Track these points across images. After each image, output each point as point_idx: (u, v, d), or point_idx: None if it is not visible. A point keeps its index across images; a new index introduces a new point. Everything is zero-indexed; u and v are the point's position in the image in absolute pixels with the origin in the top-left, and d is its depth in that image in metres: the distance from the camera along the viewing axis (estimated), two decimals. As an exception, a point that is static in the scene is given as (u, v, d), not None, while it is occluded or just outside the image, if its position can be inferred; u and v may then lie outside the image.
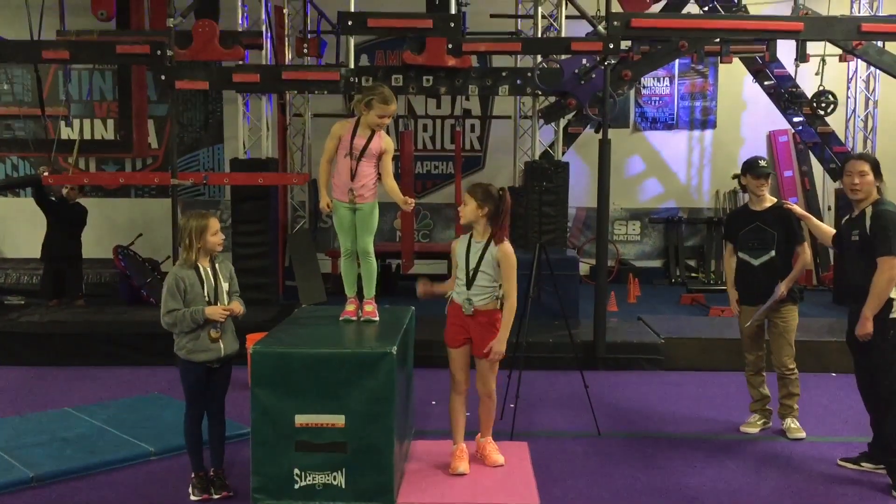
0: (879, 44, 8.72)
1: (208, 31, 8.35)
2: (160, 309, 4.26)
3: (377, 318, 4.69)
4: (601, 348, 7.28)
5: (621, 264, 12.26)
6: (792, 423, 5.46)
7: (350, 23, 8.00)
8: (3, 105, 12.06)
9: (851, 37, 8.09)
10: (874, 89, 10.50)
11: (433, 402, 6.02)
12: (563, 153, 9.69)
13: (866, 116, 10.55)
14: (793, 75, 10.41)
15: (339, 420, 3.99)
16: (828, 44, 9.49)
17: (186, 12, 8.26)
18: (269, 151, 9.32)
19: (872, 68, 10.10)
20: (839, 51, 9.46)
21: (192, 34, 8.40)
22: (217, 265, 4.36)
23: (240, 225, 8.93)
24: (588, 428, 5.57)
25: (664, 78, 12.48)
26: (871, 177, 4.63)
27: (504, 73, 8.56)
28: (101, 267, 10.08)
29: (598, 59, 8.06)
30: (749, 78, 11.28)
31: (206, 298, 4.24)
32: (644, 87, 12.44)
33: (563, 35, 9.17)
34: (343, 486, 4.00)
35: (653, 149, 12.62)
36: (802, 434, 5.40)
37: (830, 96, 10.20)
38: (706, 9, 9.82)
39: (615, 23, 7.45)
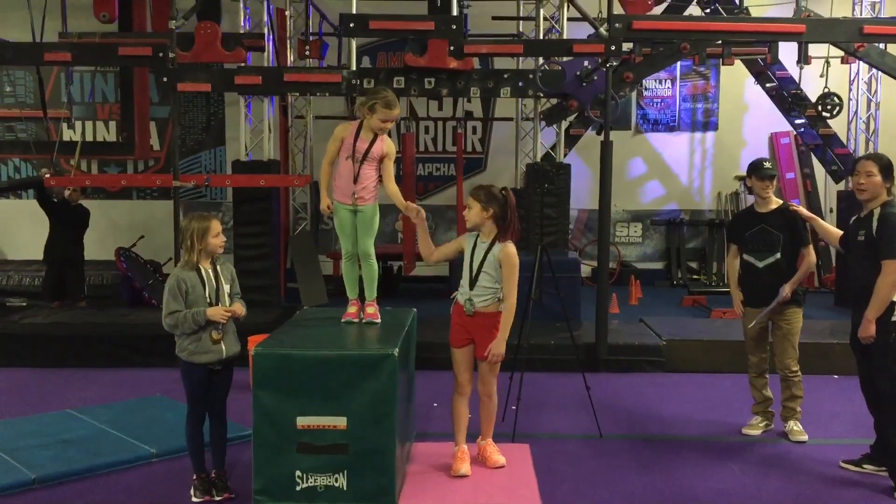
0: (881, 46, 8.72)
1: (210, 33, 8.36)
2: (162, 311, 4.26)
3: (379, 320, 4.69)
4: (603, 350, 7.28)
5: (623, 266, 12.26)
6: (794, 426, 5.45)
7: (352, 25, 8.00)
8: (6, 107, 12.08)
9: (853, 39, 8.10)
10: (876, 91, 10.49)
11: (435, 405, 6.02)
12: (565, 155, 9.69)
13: (868, 118, 10.54)
14: (796, 77, 10.42)
15: (340, 422, 3.99)
16: (831, 46, 9.50)
17: (188, 14, 8.27)
18: (270, 153, 9.33)
19: (874, 70, 10.09)
20: (842, 53, 9.46)
21: (195, 36, 8.41)
22: (218, 267, 4.36)
23: (241, 227, 8.94)
24: (590, 430, 5.56)
25: (666, 80, 12.48)
26: (878, 178, 4.60)
27: (506, 75, 8.57)
28: (103, 269, 10.07)
29: (599, 61, 8.06)
30: (751, 80, 11.28)
31: (208, 300, 4.24)
32: (646, 88, 12.45)
33: (564, 37, 9.17)
34: (344, 488, 4.00)
35: (654, 151, 12.61)
36: (805, 437, 5.39)
37: (836, 98, 10.19)
38: (708, 11, 9.83)
39: (617, 25, 7.45)
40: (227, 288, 4.35)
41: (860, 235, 4.69)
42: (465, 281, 4.46)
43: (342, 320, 4.71)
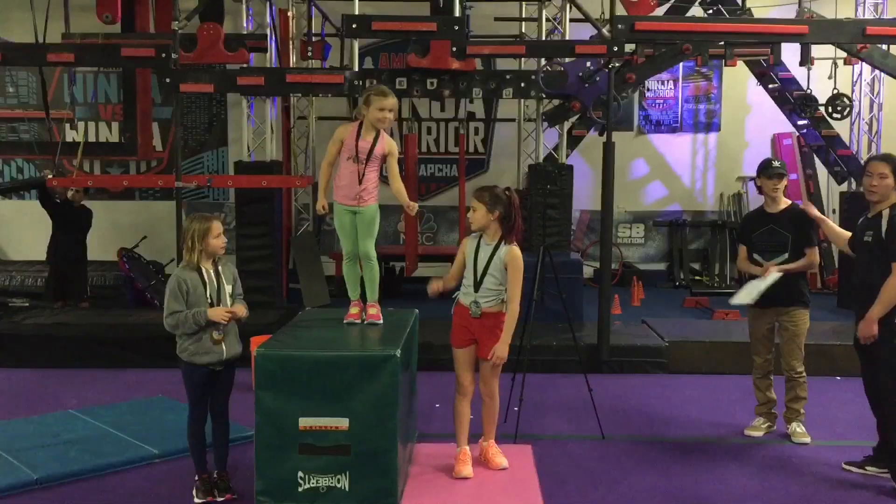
0: (884, 47, 8.71)
1: (213, 35, 8.36)
2: (163, 311, 4.27)
3: (381, 321, 4.69)
4: (605, 351, 7.27)
5: (625, 267, 12.25)
6: (797, 428, 5.45)
7: (354, 26, 8.00)
8: (8, 107, 12.09)
9: (856, 40, 8.08)
10: (879, 92, 10.48)
11: (437, 405, 6.02)
12: (567, 156, 9.68)
13: (871, 119, 10.53)
14: (804, 79, 10.38)
15: (342, 423, 3.99)
16: (835, 47, 9.49)
17: (191, 15, 8.27)
18: (273, 154, 9.33)
19: (877, 71, 10.08)
20: (845, 54, 9.45)
21: (197, 37, 8.42)
22: (220, 267, 4.36)
23: (244, 227, 8.94)
24: (592, 431, 5.56)
25: (668, 81, 12.47)
26: (890, 179, 4.58)
27: (508, 76, 8.57)
28: (106, 269, 10.09)
29: (602, 62, 8.06)
30: (753, 81, 11.28)
31: (209, 300, 4.25)
32: (648, 89, 12.43)
33: (567, 38, 9.17)
34: (347, 489, 4.00)
35: (657, 152, 12.60)
36: (807, 439, 5.39)
37: (846, 99, 10.16)
38: (710, 12, 9.81)
39: (619, 26, 7.45)
40: (228, 288, 4.35)
41: (867, 236, 4.67)
42: (469, 283, 4.45)
43: (344, 321, 4.70)
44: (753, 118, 12.41)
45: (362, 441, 3.99)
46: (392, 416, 4.01)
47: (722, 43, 8.69)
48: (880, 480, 4.72)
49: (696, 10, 10.07)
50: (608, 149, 7.30)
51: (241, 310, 4.36)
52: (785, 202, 5.47)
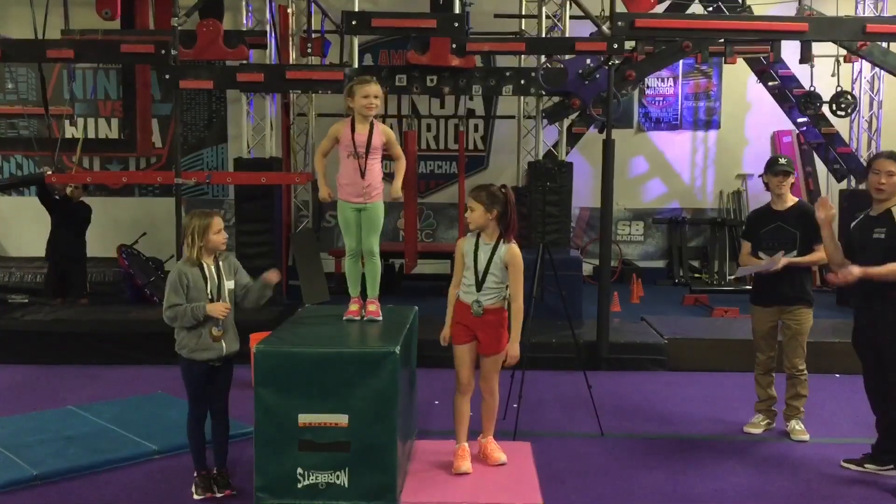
0: (884, 44, 8.71)
1: (212, 31, 8.36)
2: (163, 305, 4.27)
3: (380, 318, 4.69)
4: (604, 348, 7.28)
5: (624, 264, 12.25)
6: (797, 425, 5.45)
7: (354, 23, 8.00)
8: (8, 104, 12.08)
9: (856, 37, 8.08)
10: (878, 90, 10.47)
11: (436, 402, 6.02)
12: (567, 153, 9.68)
13: (871, 117, 10.53)
14: (806, 76, 10.37)
15: (342, 419, 3.99)
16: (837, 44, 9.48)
17: (191, 12, 8.26)
18: (272, 151, 9.33)
19: (877, 69, 10.08)
20: (845, 51, 9.44)
21: (197, 33, 8.42)
22: (221, 263, 4.37)
23: (243, 224, 8.93)
24: (591, 428, 5.56)
25: (668, 78, 12.46)
26: None
27: (508, 73, 8.57)
28: (105, 266, 10.08)
29: (602, 59, 8.06)
30: (753, 78, 11.27)
31: (210, 296, 4.25)
32: (648, 87, 12.43)
33: (567, 35, 9.17)
34: (346, 486, 4.00)
35: (656, 149, 12.60)
36: (806, 436, 5.39)
37: (850, 97, 10.13)
38: (710, 9, 9.81)
39: (619, 23, 7.45)
40: (229, 284, 4.35)
41: (877, 233, 4.62)
42: (470, 283, 4.44)
43: (344, 318, 4.70)
44: (753, 116, 12.40)
45: (362, 437, 3.99)
46: (392, 413, 4.01)
47: (722, 40, 8.69)
48: (879, 478, 4.73)
49: (696, 8, 10.06)
50: (608, 146, 7.30)
51: (275, 275, 4.46)
52: (791, 199, 5.45)
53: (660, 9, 9.30)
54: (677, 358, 7.34)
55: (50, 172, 8.97)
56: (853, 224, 4.91)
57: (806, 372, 5.43)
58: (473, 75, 8.39)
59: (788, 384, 5.48)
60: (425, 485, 4.34)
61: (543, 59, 8.91)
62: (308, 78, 8.53)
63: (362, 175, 4.53)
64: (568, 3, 9.18)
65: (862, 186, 10.24)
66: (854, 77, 10.63)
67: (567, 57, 8.58)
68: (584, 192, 11.68)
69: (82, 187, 9.29)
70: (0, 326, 7.74)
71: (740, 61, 10.58)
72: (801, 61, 9.88)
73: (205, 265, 4.29)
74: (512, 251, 4.39)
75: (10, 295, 9.73)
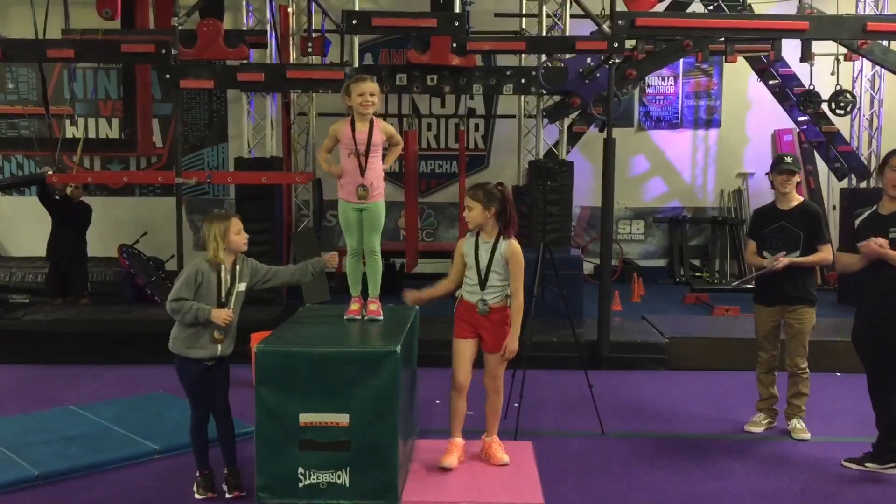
0: (885, 43, 8.70)
1: (213, 31, 8.35)
2: (169, 293, 4.26)
3: (381, 317, 4.69)
4: (605, 348, 7.27)
5: (625, 263, 12.25)
6: (798, 424, 5.45)
7: (354, 22, 7.99)
8: (8, 104, 12.08)
9: (857, 36, 8.07)
10: (879, 88, 10.47)
11: (437, 402, 6.02)
12: (568, 152, 9.67)
13: (871, 116, 10.52)
14: (806, 75, 10.37)
15: (343, 419, 3.99)
16: (837, 43, 9.48)
17: (191, 11, 8.25)
18: (273, 150, 9.32)
19: (878, 67, 10.07)
20: (846, 50, 9.44)
21: (197, 33, 8.41)
22: (238, 267, 4.34)
23: (244, 223, 8.89)
24: (592, 427, 5.56)
25: (669, 77, 12.45)
26: None
27: (508, 73, 8.56)
28: (106, 266, 10.07)
29: (602, 58, 8.05)
30: (754, 77, 11.26)
31: (220, 300, 4.24)
32: (648, 86, 12.42)
33: (567, 34, 9.16)
34: (347, 485, 4.01)
35: (657, 148, 12.59)
36: (807, 435, 5.39)
37: (849, 95, 10.13)
38: (711, 8, 9.80)
39: (620, 22, 7.45)
40: (241, 287, 4.33)
41: (893, 232, 4.60)
42: (474, 282, 4.45)
43: (344, 317, 4.71)
44: (754, 114, 12.39)
45: (363, 437, 3.99)
46: (392, 412, 4.01)
47: (722, 39, 8.69)
48: (880, 477, 4.72)
49: (696, 6, 10.06)
50: (608, 145, 7.29)
51: (332, 259, 4.57)
52: (797, 199, 5.42)
53: (660, 7, 9.29)
54: (678, 357, 7.34)
55: (51, 172, 8.97)
56: (859, 221, 4.84)
57: (808, 371, 5.43)
58: (474, 74, 8.39)
59: (790, 383, 5.48)
60: (426, 484, 4.34)
61: (544, 58, 8.91)
62: (308, 77, 8.53)
63: (363, 173, 4.54)
64: (568, 1, 9.17)
65: (863, 185, 10.25)
66: (855, 75, 10.63)
67: (567, 56, 8.57)
68: (585, 191, 11.67)
69: (82, 187, 9.29)
70: (1, 326, 7.75)
71: (741, 60, 10.57)
72: (802, 60, 9.87)
73: (223, 268, 4.27)
74: (512, 247, 4.40)
75: (11, 295, 9.73)
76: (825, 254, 5.33)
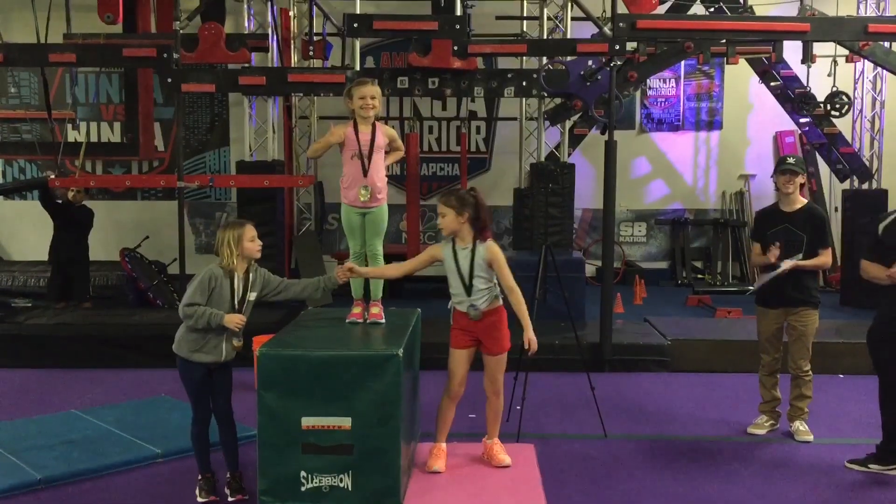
0: (886, 44, 8.70)
1: (214, 34, 8.37)
2: (170, 297, 4.28)
3: (383, 321, 4.69)
4: (607, 350, 7.27)
5: (627, 266, 12.24)
6: (801, 426, 5.44)
7: (356, 25, 8.00)
8: (10, 108, 12.10)
9: (858, 37, 8.07)
10: (881, 90, 10.46)
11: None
12: (569, 155, 9.68)
13: (873, 117, 10.51)
14: (803, 76, 10.38)
15: (345, 422, 3.99)
16: (835, 44, 9.47)
17: (192, 15, 8.28)
18: (274, 154, 9.33)
19: (879, 69, 10.07)
20: (847, 51, 9.43)
21: (199, 37, 8.42)
22: (251, 275, 4.34)
23: (246, 227, 8.92)
24: (594, 430, 5.56)
25: (670, 79, 12.46)
26: None
27: (510, 75, 8.57)
28: (108, 269, 10.09)
29: (603, 60, 8.06)
30: (755, 79, 11.26)
31: (234, 307, 4.25)
32: (650, 88, 12.42)
33: (568, 37, 9.17)
34: (349, 489, 4.00)
35: (659, 150, 12.59)
36: (810, 437, 5.38)
37: (844, 97, 10.16)
38: (712, 10, 9.80)
39: (621, 24, 7.44)
40: (252, 295, 4.34)
41: None
42: (458, 290, 4.46)
43: (346, 320, 4.71)
44: (755, 116, 12.39)
45: (365, 440, 3.99)
46: (395, 416, 4.01)
47: (724, 41, 8.69)
48: (884, 479, 4.71)
49: (697, 8, 10.06)
50: (610, 147, 7.29)
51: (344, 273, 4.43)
52: (800, 201, 5.39)
53: (661, 10, 9.29)
54: (680, 359, 7.33)
55: (53, 176, 8.98)
56: (883, 227, 4.76)
57: (811, 373, 5.42)
58: (475, 77, 8.40)
59: (793, 385, 5.47)
60: (428, 487, 4.34)
61: (545, 60, 8.91)
62: (310, 81, 8.53)
63: (366, 173, 4.54)
64: (569, 4, 9.17)
65: (865, 186, 10.24)
66: (856, 77, 10.63)
67: (569, 58, 8.58)
68: (587, 194, 11.67)
69: (83, 191, 9.30)
70: (3, 330, 7.76)
71: (742, 62, 10.58)
72: (804, 61, 9.88)
73: (236, 276, 4.28)
74: (490, 248, 4.42)
75: (14, 299, 9.75)
76: (826, 258, 5.32)
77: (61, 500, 4.42)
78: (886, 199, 10.07)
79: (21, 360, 7.45)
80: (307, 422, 3.98)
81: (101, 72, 12.02)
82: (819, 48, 9.46)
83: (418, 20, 8.18)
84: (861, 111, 10.55)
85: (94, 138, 12.06)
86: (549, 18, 9.91)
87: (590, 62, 8.50)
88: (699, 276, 12.31)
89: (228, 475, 4.42)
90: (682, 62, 11.40)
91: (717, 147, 12.62)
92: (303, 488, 4.00)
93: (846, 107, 10.18)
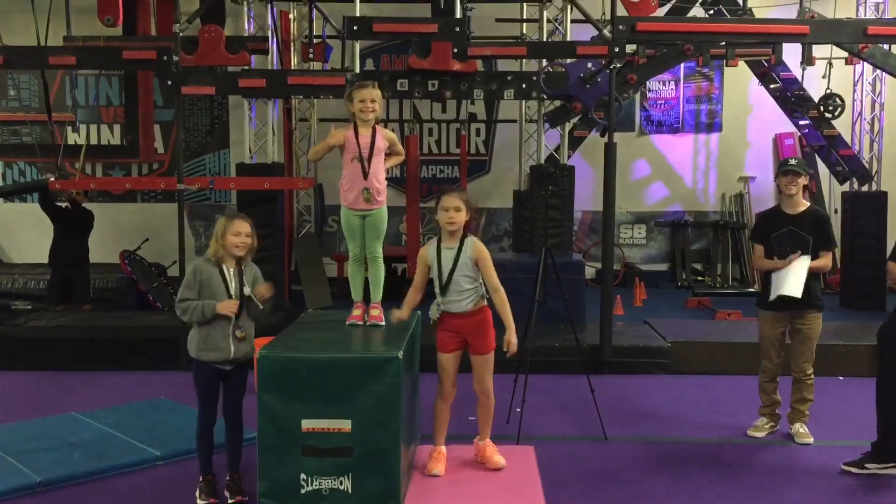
0: (885, 46, 8.71)
1: (214, 37, 8.37)
2: (171, 299, 4.31)
3: (383, 323, 4.69)
4: (607, 352, 7.27)
5: (627, 268, 12.25)
6: (801, 428, 5.44)
7: (355, 27, 8.01)
8: (10, 110, 12.11)
9: (857, 40, 8.08)
10: (880, 92, 10.47)
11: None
12: (569, 157, 9.68)
13: (872, 119, 10.52)
14: (799, 79, 10.41)
15: (345, 425, 3.99)
16: (834, 47, 9.49)
17: (192, 18, 8.28)
18: (274, 156, 9.33)
19: (878, 71, 10.08)
20: (845, 54, 9.45)
21: (199, 39, 8.43)
22: (244, 268, 4.38)
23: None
24: (594, 432, 5.55)
25: (670, 81, 12.47)
26: None
27: (509, 77, 8.57)
28: (108, 272, 10.10)
29: (603, 62, 8.06)
30: (755, 81, 11.27)
31: (231, 296, 4.28)
32: (649, 90, 12.43)
33: (568, 39, 9.17)
34: (349, 491, 4.00)
35: (658, 152, 12.60)
36: (810, 439, 5.38)
37: (838, 99, 10.20)
38: (711, 12, 9.81)
39: (620, 27, 7.45)
40: (247, 290, 4.36)
41: None
42: (437, 290, 4.47)
43: (346, 323, 4.71)
44: (755, 118, 12.41)
45: (365, 443, 3.99)
46: (395, 418, 4.01)
47: (723, 43, 8.70)
48: (882, 480, 4.71)
49: (697, 11, 10.08)
50: (610, 149, 7.29)
51: (265, 290, 4.34)
52: (804, 204, 5.36)
53: (661, 12, 9.30)
54: (680, 361, 7.33)
55: (53, 179, 8.98)
56: None
57: (813, 377, 5.42)
58: (475, 79, 8.40)
59: (794, 388, 5.46)
60: (428, 490, 4.34)
61: (545, 63, 8.92)
62: (310, 83, 8.54)
63: (365, 176, 4.55)
64: (569, 6, 9.18)
65: (864, 188, 10.25)
66: (856, 79, 10.64)
67: (568, 61, 8.59)
68: (586, 196, 11.67)
69: (83, 193, 9.31)
70: (3, 333, 7.75)
71: (742, 64, 10.60)
72: (803, 64, 9.89)
73: (225, 268, 4.30)
74: (478, 245, 4.44)
75: (14, 301, 9.75)
76: (827, 260, 5.32)
77: (61, 503, 4.42)
78: (886, 201, 10.09)
79: (21, 363, 7.44)
80: (307, 424, 3.98)
81: (101, 74, 12.04)
82: (816, 50, 9.48)
83: (418, 23, 8.19)
84: (861, 113, 10.56)
85: (94, 141, 12.07)
86: (548, 21, 9.92)
87: (589, 64, 8.51)
88: (699, 278, 12.32)
89: (228, 477, 4.43)
90: (682, 64, 11.41)
91: (716, 149, 12.63)
92: (303, 491, 4.00)
93: (839, 109, 10.22)
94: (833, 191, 11.84)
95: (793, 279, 5.20)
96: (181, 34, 8.00)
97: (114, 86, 12.15)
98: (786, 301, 5.26)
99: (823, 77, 10.26)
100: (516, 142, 11.40)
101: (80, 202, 9.23)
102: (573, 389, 6.50)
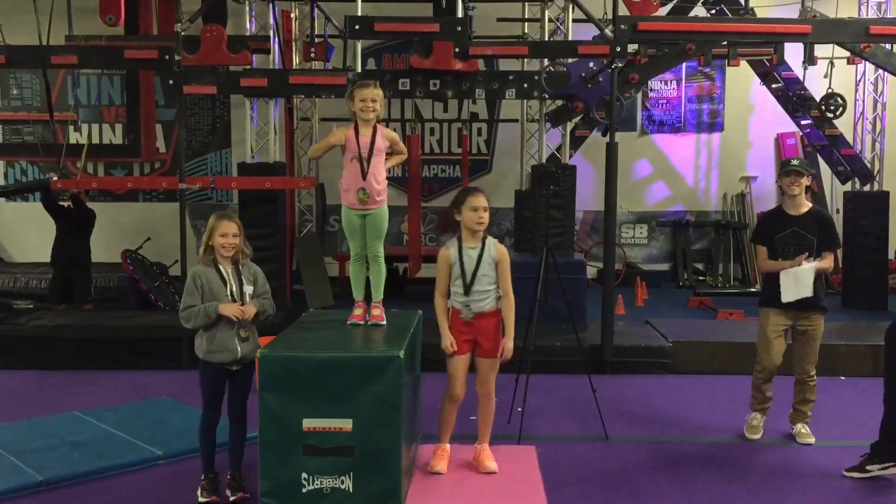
0: (887, 46, 8.70)
1: (216, 36, 8.37)
2: (172, 298, 4.31)
3: (384, 322, 4.69)
4: (609, 352, 7.26)
5: (629, 268, 12.24)
6: (803, 429, 5.43)
7: (357, 27, 8.01)
8: (12, 110, 12.13)
9: (859, 39, 8.07)
10: (882, 91, 10.46)
11: (440, 407, 6.00)
12: (571, 156, 9.68)
13: (875, 119, 10.51)
14: (801, 78, 10.40)
15: (346, 424, 3.99)
16: (836, 46, 9.48)
17: (194, 17, 8.28)
18: (276, 155, 9.33)
19: (880, 70, 10.07)
20: (847, 53, 9.44)
21: (200, 39, 8.42)
22: (241, 268, 4.38)
23: (247, 229, 8.77)
24: (596, 432, 5.55)
25: (671, 81, 12.46)
26: None
27: (511, 77, 8.57)
28: (110, 271, 10.11)
29: (605, 62, 8.06)
30: (757, 80, 11.26)
31: (231, 299, 4.28)
32: (651, 90, 12.43)
33: (569, 38, 9.17)
34: (350, 491, 4.00)
35: (660, 152, 12.60)
36: (812, 440, 5.38)
37: (839, 99, 10.20)
38: (713, 12, 9.80)
39: (622, 26, 7.45)
40: (249, 288, 4.36)
41: None
42: (459, 290, 4.46)
43: (348, 322, 4.71)
44: (757, 118, 12.40)
45: (366, 442, 3.98)
46: (396, 418, 4.01)
47: (725, 43, 8.69)
48: (884, 481, 4.70)
49: (698, 10, 10.07)
50: (611, 149, 7.29)
51: (251, 309, 4.32)
52: (806, 204, 5.32)
53: (662, 12, 9.29)
54: (682, 361, 7.33)
55: (55, 178, 8.99)
56: None
57: (815, 378, 5.41)
58: (476, 79, 8.40)
59: (797, 389, 5.45)
60: (430, 489, 4.34)
61: (546, 62, 8.91)
62: (311, 83, 8.55)
63: (364, 176, 4.54)
64: (570, 6, 9.18)
65: (866, 188, 10.24)
66: (858, 79, 10.63)
67: (570, 60, 8.58)
68: (588, 196, 11.67)
69: (84, 192, 9.31)
70: (5, 332, 7.76)
71: (743, 63, 10.59)
72: (804, 63, 9.90)
73: (222, 269, 4.30)
74: (499, 247, 4.47)
75: (15, 300, 9.76)
76: (830, 261, 5.30)
77: (63, 502, 4.42)
78: (888, 200, 10.08)
79: (22, 362, 7.45)
80: (308, 423, 3.98)
81: (103, 74, 12.05)
82: (818, 50, 9.48)
83: (420, 22, 8.19)
84: (862, 113, 10.55)
85: (95, 140, 12.08)
86: (550, 20, 9.91)
87: (591, 64, 8.50)
88: (700, 277, 12.31)
89: (229, 475, 4.43)
90: (684, 64, 11.41)
91: (718, 149, 12.62)
92: (304, 490, 4.00)
93: (841, 108, 10.21)
94: (835, 190, 11.84)
95: (803, 282, 5.19)
96: (183, 34, 8.01)
97: (115, 85, 12.15)
98: (794, 302, 5.25)
99: (825, 77, 10.25)
100: (518, 141, 11.40)
101: (83, 201, 9.23)
102: (574, 389, 6.49)
